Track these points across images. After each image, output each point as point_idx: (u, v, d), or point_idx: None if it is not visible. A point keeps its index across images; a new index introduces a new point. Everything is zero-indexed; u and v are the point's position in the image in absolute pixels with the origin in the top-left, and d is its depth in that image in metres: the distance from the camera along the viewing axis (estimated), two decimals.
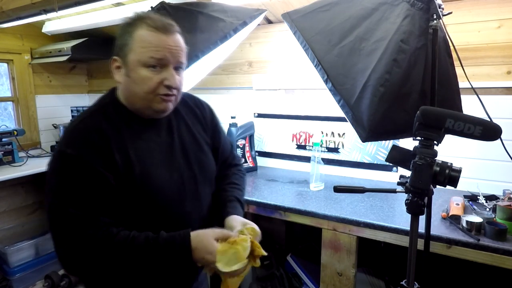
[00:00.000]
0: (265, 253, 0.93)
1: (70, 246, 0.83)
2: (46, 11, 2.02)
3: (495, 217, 1.26)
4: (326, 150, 2.11)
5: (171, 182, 0.96)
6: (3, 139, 2.49)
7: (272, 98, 2.28)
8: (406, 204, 0.90)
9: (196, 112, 1.11)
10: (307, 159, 2.11)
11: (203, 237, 0.88)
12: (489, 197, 1.52)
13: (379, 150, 1.94)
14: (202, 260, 0.87)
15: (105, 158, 0.86)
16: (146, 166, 0.92)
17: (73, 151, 0.84)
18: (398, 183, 0.95)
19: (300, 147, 2.21)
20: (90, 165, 0.84)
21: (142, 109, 0.94)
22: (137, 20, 0.89)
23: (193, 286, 1.11)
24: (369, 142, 1.96)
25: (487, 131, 0.83)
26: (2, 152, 2.45)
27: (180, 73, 0.93)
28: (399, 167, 1.77)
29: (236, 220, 0.99)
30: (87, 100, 3.43)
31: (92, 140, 0.86)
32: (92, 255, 0.83)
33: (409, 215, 0.92)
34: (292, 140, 2.23)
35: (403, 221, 1.33)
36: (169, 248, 0.85)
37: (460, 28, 1.67)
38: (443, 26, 1.11)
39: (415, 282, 0.95)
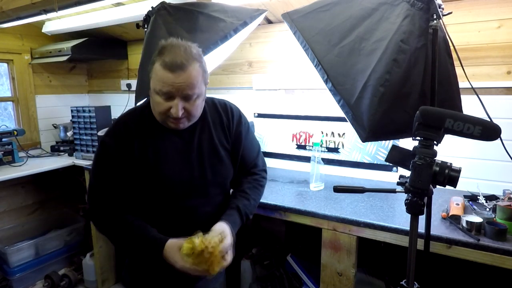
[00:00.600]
0: (223, 264, 1.03)
1: (94, 213, 1.14)
2: (46, 11, 2.02)
3: (495, 217, 1.26)
4: (326, 150, 2.11)
5: (180, 178, 1.12)
6: (3, 139, 2.49)
7: (272, 98, 2.28)
8: (406, 204, 0.90)
9: (223, 120, 1.22)
10: (307, 159, 2.11)
11: (171, 250, 1.04)
12: (489, 197, 1.52)
13: (379, 150, 1.94)
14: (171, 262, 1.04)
15: (127, 152, 1.09)
16: (160, 163, 1.10)
17: (110, 140, 1.11)
18: (398, 183, 0.96)
19: (300, 147, 2.21)
20: (115, 153, 1.09)
21: (162, 123, 1.10)
22: (160, 53, 1.02)
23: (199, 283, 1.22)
24: (369, 142, 1.96)
25: (487, 131, 0.83)
26: (2, 152, 2.45)
27: (190, 101, 1.05)
28: (399, 167, 1.77)
29: (215, 228, 1.08)
30: (87, 100, 3.43)
31: (122, 136, 1.10)
32: (105, 225, 1.13)
33: (409, 215, 0.92)
34: (292, 140, 2.23)
35: (403, 221, 1.33)
36: (147, 246, 1.07)
37: (460, 28, 1.67)
38: (443, 26, 1.11)
39: (415, 282, 0.95)
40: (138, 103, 1.28)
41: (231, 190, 1.31)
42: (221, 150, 1.19)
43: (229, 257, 1.06)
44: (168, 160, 1.11)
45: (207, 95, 1.19)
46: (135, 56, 3.02)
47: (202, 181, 1.15)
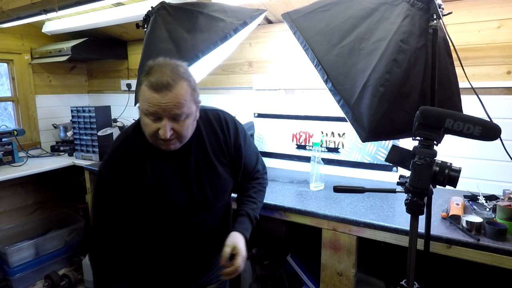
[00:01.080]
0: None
1: (96, 257, 1.16)
2: (46, 11, 2.02)
3: (495, 217, 1.26)
4: (326, 150, 2.11)
5: (182, 200, 1.12)
6: (3, 139, 2.49)
7: (272, 98, 2.28)
8: (405, 204, 0.90)
9: (219, 137, 1.18)
10: (307, 159, 2.11)
11: None
12: (489, 197, 1.52)
13: (379, 150, 1.94)
14: None
15: (128, 181, 1.08)
16: (160, 187, 1.10)
17: (107, 173, 1.09)
18: (398, 183, 0.95)
19: (300, 147, 2.21)
20: (115, 186, 1.08)
21: (157, 144, 1.06)
22: (147, 73, 0.99)
23: (194, 283, 1.27)
24: (369, 142, 1.96)
25: (487, 131, 0.83)
26: (2, 152, 2.45)
27: (179, 122, 1.01)
28: (399, 167, 1.77)
29: (229, 240, 1.15)
30: (87, 100, 3.43)
31: (120, 165, 1.08)
32: (94, 265, 1.16)
33: (409, 215, 0.92)
34: (292, 140, 2.23)
35: (403, 221, 1.32)
36: None
37: (460, 28, 1.67)
38: (443, 26, 1.11)
39: (415, 282, 0.95)
40: (128, 125, 1.27)
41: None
42: (218, 167, 1.17)
43: (241, 268, 1.12)
44: (167, 183, 1.10)
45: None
46: (135, 56, 3.02)
47: (203, 200, 1.15)
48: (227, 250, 1.11)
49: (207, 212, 1.18)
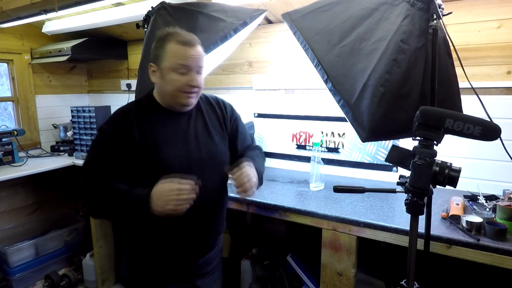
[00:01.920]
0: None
1: (85, 184, 1.15)
2: (46, 11, 2.02)
3: (495, 217, 1.26)
4: (326, 150, 2.11)
5: (178, 159, 1.17)
6: (3, 139, 2.49)
7: (272, 98, 2.28)
8: (405, 204, 0.90)
9: (216, 111, 1.32)
10: (307, 159, 2.11)
11: (160, 185, 1.06)
12: (489, 197, 1.52)
13: (379, 150, 1.94)
14: (162, 198, 1.04)
15: (125, 138, 1.14)
16: (159, 145, 1.16)
17: (106, 127, 1.16)
18: (398, 183, 0.95)
19: (300, 147, 2.21)
20: (112, 140, 1.13)
21: (172, 103, 1.19)
22: (168, 36, 1.14)
23: (199, 262, 1.29)
24: (369, 142, 1.96)
25: (487, 131, 0.83)
26: (2, 152, 2.45)
27: (200, 75, 1.18)
28: (399, 167, 1.77)
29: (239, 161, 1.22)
30: (87, 100, 3.43)
31: (120, 122, 1.16)
32: (92, 191, 1.13)
33: (409, 215, 0.92)
34: (292, 140, 2.23)
35: (403, 221, 1.33)
36: (136, 200, 1.08)
37: (460, 28, 1.67)
38: (443, 26, 1.11)
39: (415, 282, 0.95)
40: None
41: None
42: (215, 136, 1.27)
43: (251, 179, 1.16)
44: (166, 143, 1.17)
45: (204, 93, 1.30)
46: (135, 56, 3.02)
47: (199, 162, 1.21)
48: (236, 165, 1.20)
49: (201, 178, 1.15)
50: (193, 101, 1.19)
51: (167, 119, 1.20)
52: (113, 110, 2.69)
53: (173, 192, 1.03)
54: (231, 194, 1.69)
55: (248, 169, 1.17)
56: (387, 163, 1.49)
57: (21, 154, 2.67)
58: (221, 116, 1.32)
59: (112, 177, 1.13)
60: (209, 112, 1.30)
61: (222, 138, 1.30)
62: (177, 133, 1.20)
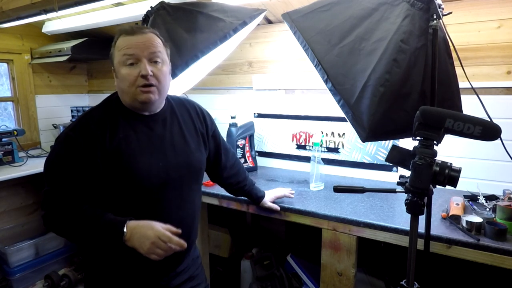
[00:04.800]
0: None
1: (49, 210, 1.01)
2: (46, 11, 2.02)
3: (495, 217, 1.26)
4: (326, 150, 2.11)
5: (156, 168, 1.08)
6: (3, 139, 2.49)
7: (272, 98, 2.28)
8: (406, 204, 0.90)
9: (192, 116, 1.24)
10: (307, 159, 2.11)
11: (143, 224, 0.99)
12: (489, 197, 1.52)
13: (379, 150, 1.94)
14: (139, 239, 0.96)
15: (98, 145, 1.01)
16: (133, 154, 1.05)
17: (73, 134, 1.01)
18: (398, 183, 0.95)
19: (300, 147, 2.21)
20: (82, 148, 1.00)
21: (131, 103, 1.08)
22: (118, 32, 1.07)
23: (170, 275, 1.19)
24: (369, 142, 1.96)
25: (487, 131, 0.83)
26: (2, 152, 2.45)
27: (157, 65, 1.06)
28: (399, 167, 1.77)
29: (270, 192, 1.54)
30: (87, 100, 3.43)
31: (90, 128, 1.02)
32: (58, 219, 1.01)
33: (409, 215, 0.92)
34: (292, 140, 2.23)
35: (403, 221, 1.33)
36: (107, 228, 0.98)
37: (460, 28, 1.67)
38: (443, 26, 1.11)
39: (415, 282, 0.95)
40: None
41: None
42: (191, 142, 1.19)
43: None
44: (141, 150, 1.07)
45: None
46: None
47: (176, 171, 1.12)
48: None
49: (179, 188, 1.14)
50: (152, 96, 1.05)
51: (140, 124, 1.09)
52: None
53: (152, 245, 0.95)
54: (231, 194, 1.69)
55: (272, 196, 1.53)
56: (387, 163, 1.49)
57: (21, 154, 2.66)
58: (197, 121, 1.24)
59: (80, 193, 1.01)
60: (184, 116, 1.21)
61: (198, 144, 1.22)
62: (152, 140, 1.10)
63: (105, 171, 1.01)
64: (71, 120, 2.69)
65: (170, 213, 1.11)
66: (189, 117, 1.23)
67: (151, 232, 0.96)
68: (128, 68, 1.04)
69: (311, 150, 2.16)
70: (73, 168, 1.00)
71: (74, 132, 1.02)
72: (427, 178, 0.86)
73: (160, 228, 0.97)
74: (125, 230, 0.96)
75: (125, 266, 1.11)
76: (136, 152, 1.05)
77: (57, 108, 3.17)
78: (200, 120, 1.26)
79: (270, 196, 1.53)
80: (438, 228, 1.26)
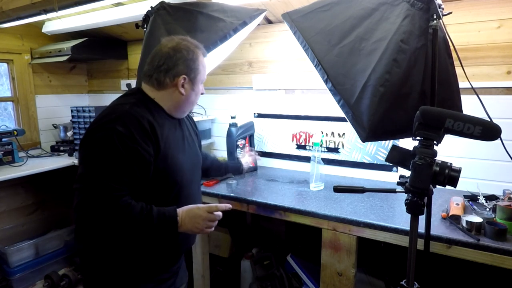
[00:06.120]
0: None
1: (91, 208, 0.99)
2: (46, 11, 2.02)
3: (495, 217, 1.26)
4: (326, 150, 2.11)
5: (186, 166, 1.20)
6: (3, 139, 2.49)
7: (272, 98, 2.28)
8: (406, 204, 0.90)
9: (188, 119, 1.39)
10: (307, 159, 2.11)
11: (188, 208, 1.10)
12: (489, 197, 1.52)
13: (379, 150, 1.94)
14: (192, 221, 1.08)
15: (152, 142, 1.06)
16: (175, 153, 1.15)
17: (125, 130, 1.01)
18: (398, 183, 0.95)
19: (300, 147, 2.21)
20: (138, 144, 1.02)
21: (182, 112, 1.22)
22: (197, 49, 1.18)
23: (172, 268, 1.28)
24: (369, 142, 1.96)
25: (487, 131, 0.83)
26: (2, 152, 2.45)
27: None
28: (399, 167, 1.77)
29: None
30: (87, 100, 3.43)
31: (144, 126, 1.05)
32: (104, 217, 1.00)
33: (409, 215, 0.92)
34: (292, 140, 2.23)
35: (403, 221, 1.33)
36: (161, 220, 1.04)
37: (460, 28, 1.67)
38: (443, 26, 1.11)
39: (415, 282, 0.95)
40: (123, 99, 1.18)
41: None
42: (195, 141, 1.35)
43: None
44: (178, 150, 1.17)
45: (204, 94, 1.36)
46: (135, 56, 3.02)
47: (197, 170, 1.31)
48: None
49: (197, 184, 1.31)
50: None
51: (171, 125, 1.18)
52: None
53: (205, 220, 1.10)
54: (231, 194, 1.69)
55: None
56: (387, 163, 1.49)
57: (21, 154, 2.66)
58: (191, 123, 1.40)
59: (130, 188, 1.03)
60: (186, 118, 1.35)
61: (198, 144, 1.38)
62: (182, 140, 1.22)
63: (154, 168, 1.08)
64: (71, 120, 2.68)
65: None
66: (187, 118, 1.36)
67: (199, 211, 1.09)
68: (202, 86, 1.22)
69: (311, 150, 2.16)
70: (130, 163, 1.01)
71: (126, 128, 1.01)
72: (427, 178, 0.86)
73: (202, 205, 1.12)
74: (178, 219, 1.06)
75: (129, 264, 1.14)
76: (175, 151, 1.15)
77: (57, 108, 3.17)
78: (191, 121, 1.40)
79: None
80: (438, 228, 1.26)
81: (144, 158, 1.03)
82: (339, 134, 2.06)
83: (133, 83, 2.99)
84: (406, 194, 0.90)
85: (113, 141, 0.99)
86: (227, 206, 1.15)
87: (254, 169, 2.18)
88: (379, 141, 1.92)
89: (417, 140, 0.91)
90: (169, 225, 1.05)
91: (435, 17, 1.07)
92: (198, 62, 1.16)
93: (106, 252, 1.13)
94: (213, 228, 1.13)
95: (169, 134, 1.14)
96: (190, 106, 1.22)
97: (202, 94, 1.23)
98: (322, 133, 2.11)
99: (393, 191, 1.00)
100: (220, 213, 1.13)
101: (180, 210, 1.08)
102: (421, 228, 1.04)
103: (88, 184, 0.99)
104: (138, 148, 1.02)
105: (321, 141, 2.11)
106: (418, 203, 0.87)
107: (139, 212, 1.01)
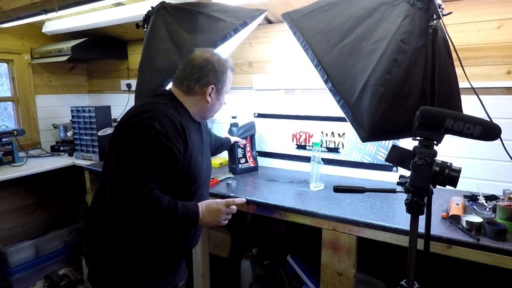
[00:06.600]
0: None
1: (125, 197, 1.04)
2: (46, 11, 2.02)
3: (495, 217, 1.26)
4: (326, 150, 2.11)
5: (204, 167, 1.29)
6: (3, 139, 2.49)
7: (272, 98, 2.28)
8: (406, 204, 0.90)
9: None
10: (307, 159, 2.11)
11: (207, 203, 1.22)
12: (489, 197, 1.52)
13: (379, 150, 1.94)
14: (211, 215, 1.19)
15: (182, 141, 1.14)
16: (196, 152, 1.23)
17: (161, 128, 1.08)
18: (398, 183, 0.96)
19: (300, 147, 2.21)
20: (171, 142, 1.09)
21: (203, 118, 1.32)
22: (227, 63, 1.31)
23: (176, 264, 1.34)
24: (369, 142, 1.96)
25: (487, 131, 0.83)
26: (2, 152, 2.45)
27: None
28: (399, 167, 1.77)
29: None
30: (87, 100, 3.43)
31: (176, 126, 1.13)
32: (136, 207, 1.05)
33: (409, 215, 0.92)
34: (292, 140, 2.23)
35: (403, 221, 1.33)
36: (185, 214, 1.13)
37: (460, 28, 1.67)
38: (443, 26, 1.11)
39: (415, 282, 0.95)
40: (148, 100, 1.26)
41: None
42: (208, 142, 1.46)
43: None
44: (198, 151, 1.25)
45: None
46: (135, 56, 3.02)
47: (210, 167, 1.43)
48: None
49: (208, 182, 1.41)
50: None
51: (194, 127, 1.27)
52: (113, 110, 2.73)
53: (223, 214, 1.21)
54: (231, 194, 1.69)
55: None
56: (387, 163, 1.49)
57: (21, 154, 2.67)
58: (205, 125, 1.45)
59: (159, 183, 1.11)
60: (202, 122, 1.41)
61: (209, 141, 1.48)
62: (199, 141, 1.29)
63: (180, 166, 1.15)
64: (71, 120, 2.68)
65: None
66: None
67: (217, 205, 1.21)
68: (225, 97, 1.33)
69: (311, 150, 2.16)
70: (163, 159, 1.08)
71: (162, 126, 1.09)
72: (427, 178, 0.86)
73: (220, 200, 1.23)
74: (200, 213, 1.16)
75: (137, 258, 1.19)
76: (197, 153, 1.24)
77: (57, 108, 3.17)
78: (205, 122, 1.44)
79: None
80: (438, 228, 1.26)
81: (176, 156, 1.11)
82: (339, 134, 2.06)
83: (133, 83, 2.99)
84: (406, 194, 0.90)
85: (150, 137, 1.06)
86: (243, 200, 1.30)
87: (254, 169, 2.18)
88: (379, 141, 1.92)
89: (417, 140, 0.91)
90: (192, 218, 1.14)
91: (435, 17, 1.07)
92: (226, 75, 1.28)
93: (116, 246, 1.18)
94: (227, 221, 1.24)
95: (193, 136, 1.22)
96: (212, 113, 1.32)
97: (224, 104, 1.35)
98: (322, 133, 2.11)
99: (393, 191, 1.00)
100: (235, 207, 1.24)
101: (200, 205, 1.18)
102: (421, 228, 1.05)
103: (123, 174, 1.05)
104: (171, 145, 1.09)
105: (321, 141, 2.11)
106: (418, 203, 0.87)
107: (167, 205, 1.09)
